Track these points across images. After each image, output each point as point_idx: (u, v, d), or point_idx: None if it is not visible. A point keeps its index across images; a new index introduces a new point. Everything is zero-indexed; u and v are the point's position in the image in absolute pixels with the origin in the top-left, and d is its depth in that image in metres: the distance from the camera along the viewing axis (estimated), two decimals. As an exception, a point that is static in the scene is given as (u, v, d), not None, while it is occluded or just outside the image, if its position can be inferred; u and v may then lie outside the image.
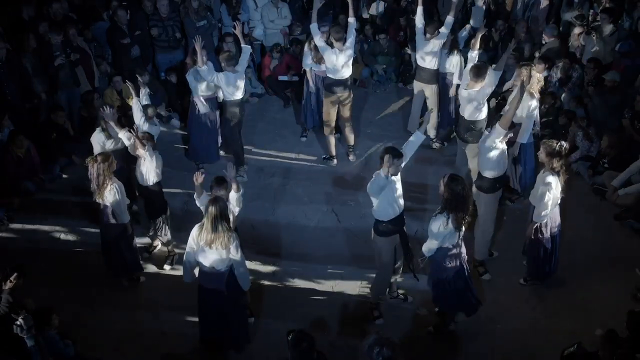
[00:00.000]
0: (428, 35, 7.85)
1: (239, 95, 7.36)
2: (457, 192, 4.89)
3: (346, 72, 7.55)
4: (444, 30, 7.74)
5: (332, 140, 8.05)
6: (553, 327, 5.74)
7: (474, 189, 6.22)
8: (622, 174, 7.21)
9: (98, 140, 6.50)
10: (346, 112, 7.87)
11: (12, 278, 4.97)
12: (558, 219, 5.90)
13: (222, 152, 8.08)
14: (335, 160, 8.19)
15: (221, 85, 7.24)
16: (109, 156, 5.74)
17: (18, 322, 4.21)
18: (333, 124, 7.91)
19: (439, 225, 4.95)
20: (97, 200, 5.74)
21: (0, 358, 4.56)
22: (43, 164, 7.65)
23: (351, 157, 8.20)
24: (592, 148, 7.78)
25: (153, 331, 5.72)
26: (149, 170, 6.08)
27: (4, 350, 4.56)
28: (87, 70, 8.40)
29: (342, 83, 7.58)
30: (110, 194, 5.66)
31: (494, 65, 6.78)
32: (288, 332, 4.17)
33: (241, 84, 7.31)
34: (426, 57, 7.93)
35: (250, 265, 6.37)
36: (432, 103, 8.18)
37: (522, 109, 6.56)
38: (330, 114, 7.81)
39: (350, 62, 7.56)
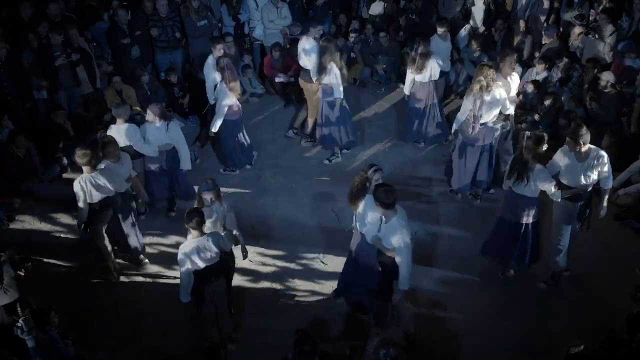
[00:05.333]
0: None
1: None
2: None
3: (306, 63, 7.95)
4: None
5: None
6: (553, 327, 5.75)
7: None
8: (622, 174, 7.22)
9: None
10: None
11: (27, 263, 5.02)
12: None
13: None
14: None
15: None
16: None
17: (19, 324, 4.21)
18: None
19: None
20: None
21: (2, 358, 4.56)
22: (43, 164, 7.65)
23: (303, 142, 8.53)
24: (592, 148, 7.77)
25: (153, 331, 5.72)
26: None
27: (6, 351, 4.57)
28: (88, 71, 8.37)
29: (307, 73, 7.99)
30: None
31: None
32: (296, 330, 4.13)
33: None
34: None
35: (251, 265, 6.41)
36: None
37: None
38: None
39: (311, 55, 7.81)
